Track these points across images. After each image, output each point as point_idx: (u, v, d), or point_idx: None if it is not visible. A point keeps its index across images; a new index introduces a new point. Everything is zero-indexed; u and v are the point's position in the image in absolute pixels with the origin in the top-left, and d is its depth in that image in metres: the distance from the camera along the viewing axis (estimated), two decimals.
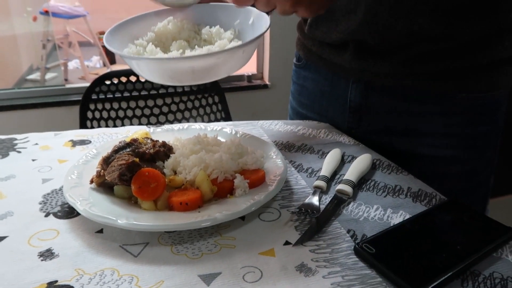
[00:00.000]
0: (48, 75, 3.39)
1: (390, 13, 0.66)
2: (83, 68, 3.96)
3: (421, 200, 0.56)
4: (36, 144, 0.73)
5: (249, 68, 2.23)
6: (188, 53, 0.59)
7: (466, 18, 0.64)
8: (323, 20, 0.76)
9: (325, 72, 0.82)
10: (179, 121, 1.41)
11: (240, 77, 2.18)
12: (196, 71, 0.54)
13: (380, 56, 0.71)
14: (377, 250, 0.44)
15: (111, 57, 4.50)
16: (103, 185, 0.54)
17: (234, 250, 0.46)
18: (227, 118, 1.41)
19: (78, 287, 0.40)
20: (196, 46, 0.62)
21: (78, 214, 0.51)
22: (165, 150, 0.58)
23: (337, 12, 0.71)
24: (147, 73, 0.56)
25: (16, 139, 0.74)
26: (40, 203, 0.54)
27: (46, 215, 0.52)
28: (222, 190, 0.53)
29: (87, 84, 1.30)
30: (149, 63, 0.54)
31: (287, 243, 0.47)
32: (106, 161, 0.54)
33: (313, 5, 0.51)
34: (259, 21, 0.60)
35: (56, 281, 0.41)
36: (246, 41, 0.54)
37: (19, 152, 0.70)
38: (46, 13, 3.41)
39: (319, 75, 0.84)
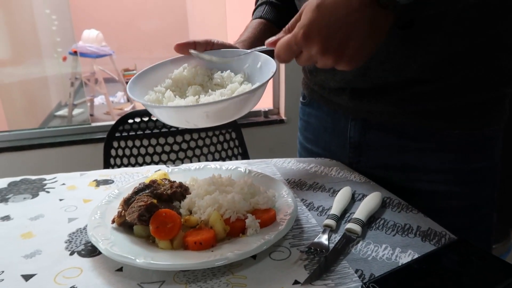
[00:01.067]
0: (75, 111, 3.55)
1: (381, 67, 0.70)
2: (108, 104, 4.13)
3: (430, 239, 0.57)
4: (64, 184, 0.78)
5: (265, 104, 2.29)
6: (203, 98, 0.63)
7: (453, 65, 0.67)
8: (321, 70, 0.81)
9: (327, 109, 0.87)
10: (198, 157, 1.46)
11: (257, 113, 2.24)
12: (210, 115, 0.59)
13: (374, 97, 0.75)
14: None
15: None
16: (123, 224, 0.58)
17: None
18: (244, 153, 1.45)
19: None
20: (209, 90, 0.67)
21: (99, 253, 0.54)
22: (181, 191, 0.62)
23: None
24: (166, 118, 0.62)
25: (45, 179, 0.80)
26: (66, 242, 0.58)
27: (71, 254, 0.55)
28: (235, 229, 0.56)
29: (112, 122, 1.37)
30: (167, 111, 0.59)
31: (296, 282, 0.49)
32: (127, 202, 0.58)
33: (352, 61, 0.54)
34: (266, 65, 0.65)
35: None
36: (254, 87, 0.60)
37: (48, 192, 0.74)
38: (75, 53, 3.61)
39: (322, 112, 0.89)
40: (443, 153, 0.73)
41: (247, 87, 0.63)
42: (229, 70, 0.69)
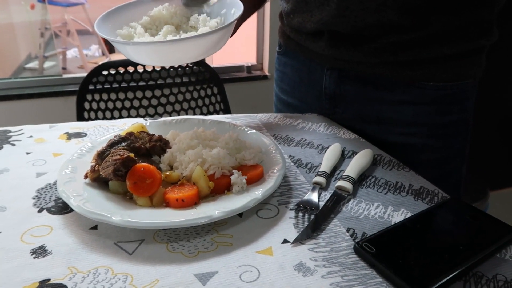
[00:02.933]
0: (47, 64, 3.36)
1: (361, 7, 0.67)
2: (82, 57, 3.93)
3: (422, 198, 0.55)
4: (31, 136, 0.71)
5: (249, 58, 2.20)
6: (169, 37, 0.62)
7: (433, 13, 0.66)
8: (298, 11, 0.78)
9: (302, 59, 0.85)
10: (178, 113, 1.40)
11: (240, 68, 2.16)
12: (173, 53, 0.60)
13: (352, 45, 0.73)
14: (377, 249, 0.43)
15: (110, 46, 4.46)
16: (97, 180, 0.53)
17: (231, 248, 0.45)
18: (226, 109, 1.40)
19: (71, 286, 0.39)
20: (181, 32, 0.66)
21: (71, 210, 0.50)
22: (161, 145, 0.57)
23: (311, 3, 0.74)
24: (133, 55, 0.62)
25: (10, 131, 0.73)
26: (34, 198, 0.53)
27: (40, 211, 0.51)
28: (219, 186, 0.52)
29: (85, 74, 1.28)
30: (134, 47, 0.59)
31: (285, 241, 0.46)
32: (101, 156, 0.53)
33: None
34: (236, 10, 0.64)
35: (49, 280, 0.40)
36: (204, 32, 0.59)
37: (13, 145, 0.68)
38: (43, 1, 3.37)
39: (298, 62, 0.87)
40: (418, 106, 0.73)
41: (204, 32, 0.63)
42: (205, 14, 0.67)
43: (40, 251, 0.44)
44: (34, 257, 0.43)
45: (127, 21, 0.66)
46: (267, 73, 2.13)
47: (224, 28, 0.59)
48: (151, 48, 0.59)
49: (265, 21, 2.07)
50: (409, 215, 0.51)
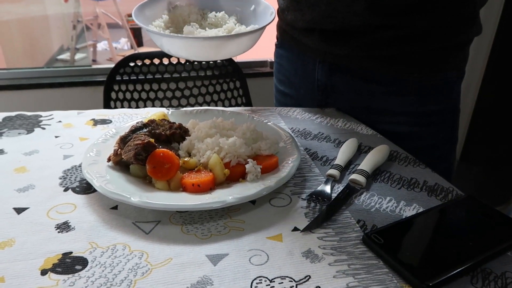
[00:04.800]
0: (78, 56, 3.47)
1: (348, 9, 0.71)
2: (111, 50, 4.03)
3: (436, 194, 0.55)
4: (60, 121, 0.75)
5: (272, 54, 2.21)
6: (206, 32, 0.63)
7: (416, 13, 0.69)
8: (291, 9, 0.82)
9: (297, 51, 0.89)
10: (200, 105, 1.42)
11: (263, 63, 2.17)
12: (213, 48, 0.60)
13: (341, 40, 0.77)
14: (385, 241, 0.44)
15: (138, 40, 4.55)
16: (119, 163, 0.55)
17: (243, 233, 0.46)
18: (248, 103, 1.41)
19: (91, 259, 0.42)
20: (206, 28, 0.66)
21: (94, 190, 0.53)
22: (181, 132, 0.59)
23: (302, 3, 0.77)
24: (171, 47, 0.62)
25: (41, 116, 0.77)
26: (60, 178, 0.56)
27: (65, 190, 0.54)
28: (235, 174, 0.54)
29: (113, 65, 1.33)
30: (188, 42, 0.60)
31: (295, 229, 0.47)
32: (123, 141, 0.55)
33: None
34: (263, 8, 0.66)
35: (71, 252, 0.43)
36: (263, 25, 0.60)
37: (43, 128, 0.72)
38: None
39: (293, 54, 0.91)
40: (404, 97, 0.77)
41: (242, 28, 0.64)
42: (223, 11, 0.69)
43: (64, 227, 0.47)
44: (59, 232, 0.46)
45: (150, 18, 0.67)
46: None
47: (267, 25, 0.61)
48: (200, 44, 0.59)
49: None
50: (421, 210, 0.51)
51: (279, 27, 0.94)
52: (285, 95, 0.97)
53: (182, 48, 0.62)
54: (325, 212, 0.50)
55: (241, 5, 0.69)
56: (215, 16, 0.68)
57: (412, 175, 0.60)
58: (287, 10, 0.84)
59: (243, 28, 0.64)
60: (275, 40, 0.99)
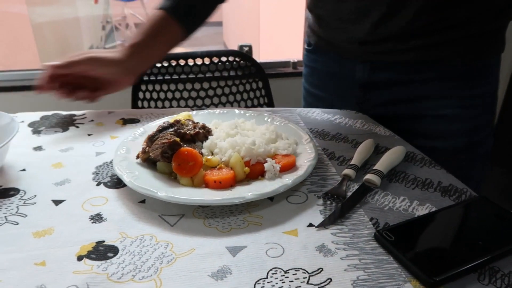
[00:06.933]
0: None
1: (393, 25, 0.75)
2: None
3: (450, 195, 0.56)
4: (92, 120, 0.80)
5: (295, 54, 2.23)
6: None
7: (455, 6, 0.72)
8: (332, 26, 0.85)
9: (333, 55, 0.90)
10: (224, 105, 1.46)
11: (285, 64, 2.19)
12: None
13: (383, 40, 0.79)
14: (396, 238, 0.46)
15: None
16: (147, 160, 0.60)
17: (260, 227, 0.49)
18: (270, 103, 1.44)
19: (121, 247, 0.46)
20: None
21: (124, 185, 0.57)
22: (204, 132, 0.63)
23: (345, 21, 0.80)
24: None
25: (75, 115, 0.82)
26: (93, 173, 0.61)
27: (98, 184, 0.58)
28: (254, 172, 0.57)
29: None
30: None
31: (310, 225, 0.50)
32: (151, 139, 0.59)
33: None
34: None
35: (104, 241, 0.47)
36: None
37: (77, 127, 0.77)
38: None
39: (328, 58, 0.92)
40: (446, 82, 0.78)
41: None
42: None
43: (97, 218, 0.51)
44: (92, 222, 0.50)
45: None
46: None
47: None
48: None
49: None
50: (434, 209, 0.53)
51: (312, 34, 0.95)
52: (318, 98, 0.98)
53: None
54: (339, 210, 0.52)
55: None
56: None
57: (427, 175, 0.61)
58: (325, 24, 0.86)
59: None
60: (306, 45, 1.00)
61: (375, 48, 0.81)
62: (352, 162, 0.63)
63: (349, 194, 0.56)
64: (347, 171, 0.60)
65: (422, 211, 0.53)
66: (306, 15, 0.96)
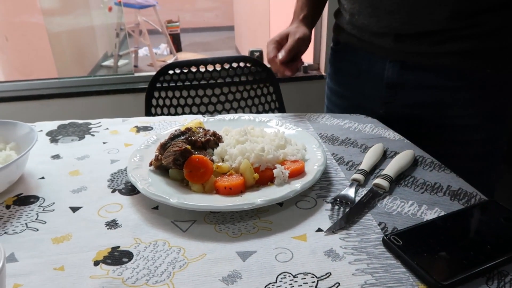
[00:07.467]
0: (121, 62, 3.65)
1: (428, 17, 0.74)
2: (152, 56, 4.20)
3: (459, 199, 0.57)
4: (107, 128, 0.83)
5: (306, 58, 2.24)
6: None
7: (489, 13, 0.73)
8: (364, 14, 0.83)
9: (362, 53, 0.90)
10: (235, 110, 1.48)
11: None
12: None
13: (417, 39, 0.78)
14: (404, 242, 0.46)
15: (177, 45, 4.72)
16: (160, 167, 0.61)
17: (270, 232, 0.50)
18: (281, 108, 1.45)
19: (135, 253, 0.47)
20: None
21: (138, 192, 0.59)
22: (215, 139, 0.64)
23: (380, 10, 0.79)
24: None
25: (91, 124, 0.85)
26: (108, 181, 0.63)
27: (113, 191, 0.60)
28: (264, 178, 0.58)
29: (154, 73, 1.41)
30: None
31: (319, 230, 0.51)
32: (163, 147, 0.61)
33: None
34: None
35: (119, 247, 0.48)
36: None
37: (93, 135, 0.80)
38: (120, 3, 3.65)
39: (356, 56, 0.91)
40: (473, 90, 0.79)
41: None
42: None
43: (112, 224, 0.53)
44: (108, 228, 0.52)
45: None
46: (323, 73, 2.15)
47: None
48: None
49: (323, 21, 2.09)
50: (442, 214, 0.53)
51: (341, 31, 0.94)
52: (342, 96, 0.99)
53: None
54: (348, 215, 0.53)
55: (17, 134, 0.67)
56: None
57: (436, 179, 0.61)
58: (358, 15, 0.85)
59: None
60: (332, 44, 1.01)
61: (409, 48, 0.80)
62: (361, 167, 0.63)
63: (357, 198, 0.57)
64: (356, 175, 0.61)
65: (431, 215, 0.53)
66: (335, 11, 0.96)
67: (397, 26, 0.78)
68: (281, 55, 0.82)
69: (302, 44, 0.84)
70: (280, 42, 0.84)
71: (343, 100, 0.98)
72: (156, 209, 0.56)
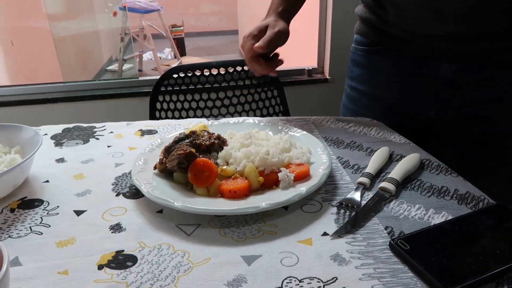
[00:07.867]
0: (125, 66, 3.67)
1: (499, 21, 0.71)
2: (156, 60, 4.22)
3: (467, 202, 0.56)
4: (111, 132, 0.83)
5: (310, 62, 2.24)
6: None
7: None
8: (425, 18, 0.76)
9: (410, 54, 0.84)
10: (239, 114, 1.48)
11: (301, 71, 2.20)
12: None
13: (482, 39, 0.74)
14: (411, 246, 0.46)
15: (181, 49, 4.73)
16: (164, 171, 0.61)
17: (275, 236, 0.50)
18: (285, 111, 1.45)
19: (140, 257, 0.47)
20: None
21: (142, 195, 0.58)
22: (219, 143, 0.64)
23: (445, 14, 0.73)
24: None
25: (95, 127, 0.85)
26: (113, 184, 0.63)
27: (117, 195, 0.60)
28: (268, 181, 0.58)
29: (158, 77, 1.41)
30: None
31: (325, 234, 0.50)
32: (167, 151, 0.61)
33: None
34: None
35: (123, 251, 0.48)
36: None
37: (97, 139, 0.80)
38: (124, 8, 3.68)
39: (400, 57, 0.86)
40: None
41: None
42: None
43: (116, 227, 0.52)
44: (112, 232, 0.52)
45: None
46: (327, 77, 2.15)
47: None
48: None
49: (327, 25, 2.09)
50: (450, 218, 0.52)
51: (381, 33, 0.88)
52: (380, 99, 0.92)
53: None
54: (354, 218, 0.52)
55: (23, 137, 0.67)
56: None
57: (443, 183, 0.61)
58: (413, 18, 0.79)
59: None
60: (364, 45, 0.94)
61: (471, 48, 0.75)
62: (367, 170, 0.63)
63: (363, 202, 0.56)
64: (362, 179, 0.60)
65: (438, 219, 0.52)
66: (363, 14, 0.90)
67: (462, 29, 0.73)
68: (259, 45, 0.75)
69: (281, 37, 0.79)
70: (259, 37, 0.78)
71: (380, 103, 0.92)
72: (160, 213, 0.55)
